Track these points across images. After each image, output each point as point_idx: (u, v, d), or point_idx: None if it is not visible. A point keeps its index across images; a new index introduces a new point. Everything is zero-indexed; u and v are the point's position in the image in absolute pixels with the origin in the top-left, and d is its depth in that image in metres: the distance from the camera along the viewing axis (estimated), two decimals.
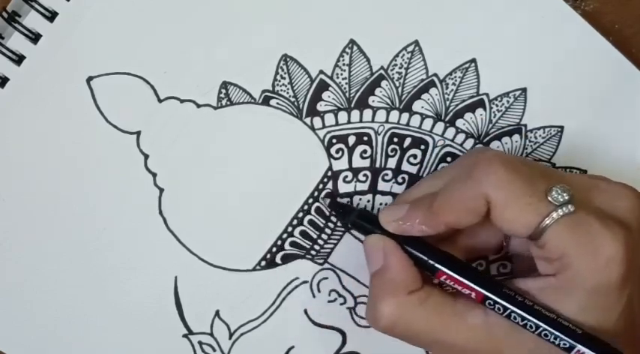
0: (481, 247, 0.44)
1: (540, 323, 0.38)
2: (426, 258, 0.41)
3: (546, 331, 0.38)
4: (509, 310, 0.39)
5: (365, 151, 0.46)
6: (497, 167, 0.39)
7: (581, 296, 0.38)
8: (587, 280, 0.38)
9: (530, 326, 0.39)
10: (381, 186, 0.47)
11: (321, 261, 0.47)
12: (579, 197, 0.39)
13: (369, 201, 0.46)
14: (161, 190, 0.45)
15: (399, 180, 0.47)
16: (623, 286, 0.38)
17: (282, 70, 0.45)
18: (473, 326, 0.40)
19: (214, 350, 0.46)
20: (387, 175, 0.47)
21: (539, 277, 0.40)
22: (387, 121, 0.46)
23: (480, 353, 0.40)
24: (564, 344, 0.38)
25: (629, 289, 0.39)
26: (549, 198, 0.38)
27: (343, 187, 0.46)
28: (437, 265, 0.41)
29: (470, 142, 0.47)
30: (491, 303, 0.39)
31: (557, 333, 0.38)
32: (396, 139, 0.46)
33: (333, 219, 0.46)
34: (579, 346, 0.38)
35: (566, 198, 0.38)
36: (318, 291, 0.47)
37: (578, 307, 0.38)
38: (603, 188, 0.41)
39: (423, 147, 0.47)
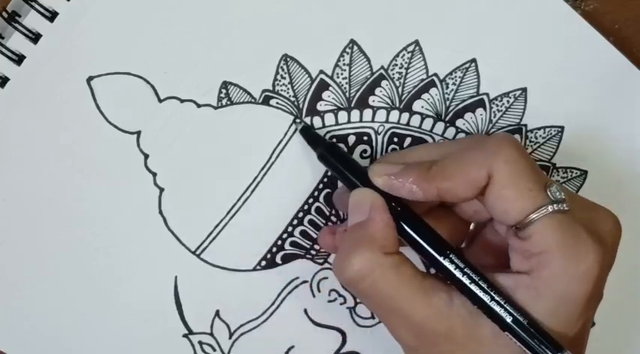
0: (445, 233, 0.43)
1: (506, 316, 0.38)
2: (406, 227, 0.40)
3: (509, 328, 0.38)
4: (475, 296, 0.39)
5: (365, 151, 0.46)
6: (509, 145, 0.39)
7: (551, 301, 0.38)
8: (559, 283, 0.38)
9: (496, 318, 0.38)
10: None
11: (321, 261, 0.47)
12: (571, 206, 0.39)
13: None
14: (161, 190, 0.45)
15: None
16: (590, 301, 0.38)
17: (283, 69, 0.45)
18: (435, 306, 0.39)
19: (214, 350, 0.46)
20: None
21: (512, 274, 0.39)
22: (387, 121, 0.46)
23: (431, 333, 0.39)
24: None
25: (590, 312, 0.39)
26: (548, 192, 0.38)
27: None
28: (418, 239, 0.40)
29: None
30: (458, 284, 0.39)
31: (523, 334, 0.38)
32: (396, 139, 0.46)
33: (333, 219, 0.46)
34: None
35: (563, 196, 0.38)
36: (318, 291, 0.47)
37: (546, 311, 0.38)
38: (591, 208, 0.41)
39: None
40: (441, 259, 0.39)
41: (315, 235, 0.46)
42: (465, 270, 0.39)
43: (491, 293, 0.38)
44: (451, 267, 0.39)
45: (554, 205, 0.38)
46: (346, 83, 0.46)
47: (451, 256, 0.39)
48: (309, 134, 0.45)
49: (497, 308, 0.38)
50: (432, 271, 0.46)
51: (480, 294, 0.38)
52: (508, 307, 0.38)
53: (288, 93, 0.45)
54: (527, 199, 0.38)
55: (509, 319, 0.38)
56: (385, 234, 0.40)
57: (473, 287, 0.39)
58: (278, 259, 0.46)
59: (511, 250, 0.40)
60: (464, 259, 0.39)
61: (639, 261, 0.50)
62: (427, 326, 0.39)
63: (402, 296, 0.39)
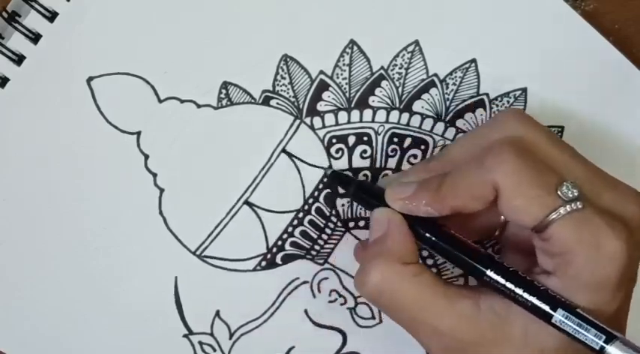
0: (475, 230, 0.43)
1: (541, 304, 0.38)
2: (429, 235, 0.41)
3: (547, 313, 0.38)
4: (507, 285, 0.39)
5: (365, 151, 0.46)
6: (508, 155, 0.38)
7: (581, 295, 0.38)
8: (586, 276, 0.38)
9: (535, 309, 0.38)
10: None
11: (322, 261, 0.47)
12: (589, 193, 0.39)
13: None
14: (161, 191, 0.45)
15: None
16: (619, 285, 0.38)
17: (283, 70, 0.45)
18: (461, 314, 0.39)
19: (214, 350, 0.46)
20: (387, 175, 0.47)
21: (541, 274, 0.40)
22: (387, 121, 0.46)
23: (460, 342, 0.39)
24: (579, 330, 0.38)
25: (624, 291, 0.39)
26: (559, 192, 0.38)
27: None
28: (440, 243, 0.41)
29: None
30: (488, 278, 0.39)
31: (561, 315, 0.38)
32: (396, 139, 0.46)
33: (333, 219, 0.46)
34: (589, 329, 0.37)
35: (576, 194, 0.38)
36: (319, 291, 0.47)
37: (579, 303, 0.38)
38: (615, 188, 0.40)
39: (423, 147, 0.47)
40: (481, 267, 0.40)
41: (315, 236, 0.46)
42: (505, 274, 0.39)
43: (539, 289, 0.38)
44: (492, 274, 0.39)
45: (567, 206, 0.38)
46: (346, 83, 0.46)
47: (489, 263, 0.39)
48: (340, 177, 0.45)
49: (545, 307, 0.38)
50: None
51: (526, 295, 0.38)
52: (559, 301, 0.38)
53: (288, 93, 0.45)
54: (537, 206, 0.38)
55: (560, 315, 0.38)
56: (402, 245, 0.41)
57: (518, 290, 0.39)
58: (278, 260, 0.46)
59: (536, 249, 0.40)
60: (500, 264, 0.40)
61: None
62: (455, 335, 0.39)
63: (426, 306, 0.40)
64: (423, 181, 0.41)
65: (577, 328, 0.37)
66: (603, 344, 0.37)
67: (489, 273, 0.39)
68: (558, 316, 0.38)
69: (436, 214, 0.40)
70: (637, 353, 0.37)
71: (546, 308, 0.38)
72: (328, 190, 0.46)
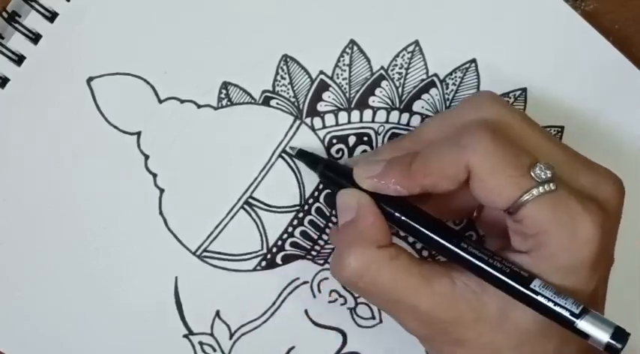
0: (452, 210, 0.43)
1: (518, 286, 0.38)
2: (398, 214, 0.40)
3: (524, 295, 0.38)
4: (479, 269, 0.39)
5: (365, 152, 0.46)
6: (484, 136, 0.38)
7: (554, 275, 0.38)
8: (560, 259, 0.38)
9: (510, 289, 0.38)
10: None
11: (322, 261, 0.47)
12: (563, 175, 0.39)
13: None
14: (161, 191, 0.45)
15: None
16: (594, 268, 0.38)
17: (283, 70, 0.45)
18: (439, 293, 0.39)
19: (215, 350, 0.46)
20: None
21: (512, 253, 0.39)
22: (387, 122, 0.46)
23: (440, 320, 0.39)
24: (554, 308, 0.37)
25: (600, 273, 0.39)
26: (532, 173, 0.37)
27: None
28: (410, 222, 0.40)
29: None
30: (459, 258, 0.39)
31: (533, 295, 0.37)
32: None
33: (334, 219, 0.46)
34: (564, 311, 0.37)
35: (549, 175, 0.37)
36: (319, 291, 0.47)
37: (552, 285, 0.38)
38: (592, 169, 0.40)
39: None
40: (449, 245, 0.39)
41: (315, 236, 0.46)
42: (473, 251, 0.39)
43: (510, 268, 0.38)
44: (461, 252, 0.39)
45: (540, 187, 0.37)
46: (346, 84, 0.46)
47: (460, 241, 0.39)
48: (308, 156, 0.45)
49: (515, 284, 0.38)
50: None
51: (496, 273, 0.38)
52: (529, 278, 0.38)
53: (288, 93, 0.45)
54: (510, 187, 0.38)
55: (535, 286, 0.38)
56: (376, 228, 0.40)
57: (487, 268, 0.38)
58: (278, 260, 0.46)
59: (510, 230, 0.40)
60: (470, 242, 0.39)
61: (638, 261, 0.50)
62: (435, 314, 0.39)
63: (404, 287, 0.39)
64: (392, 158, 0.41)
65: (549, 303, 0.37)
66: (576, 317, 0.37)
67: (460, 252, 0.39)
68: (534, 286, 0.37)
69: (406, 193, 0.40)
70: (612, 328, 0.36)
71: (518, 285, 0.38)
72: (328, 191, 0.46)
